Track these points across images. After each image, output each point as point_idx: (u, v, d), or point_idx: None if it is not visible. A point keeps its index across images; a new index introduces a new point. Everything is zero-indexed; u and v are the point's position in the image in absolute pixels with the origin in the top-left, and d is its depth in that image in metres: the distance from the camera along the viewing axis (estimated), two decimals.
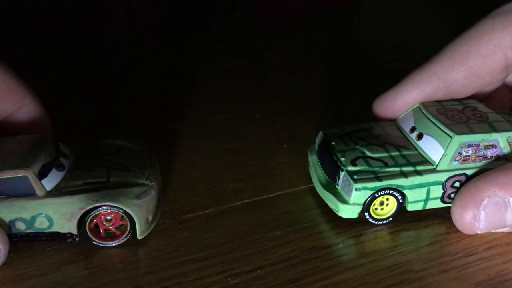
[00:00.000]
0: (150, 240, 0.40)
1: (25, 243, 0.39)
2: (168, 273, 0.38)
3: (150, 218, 0.40)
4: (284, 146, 0.53)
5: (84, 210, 0.38)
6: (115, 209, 0.38)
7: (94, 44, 0.80)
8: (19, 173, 0.38)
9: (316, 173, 0.44)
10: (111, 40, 0.83)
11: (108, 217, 0.39)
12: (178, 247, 0.40)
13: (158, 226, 0.42)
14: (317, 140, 0.46)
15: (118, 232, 0.40)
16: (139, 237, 0.40)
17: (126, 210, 0.38)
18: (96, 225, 0.39)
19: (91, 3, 0.94)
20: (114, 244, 0.40)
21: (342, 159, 0.42)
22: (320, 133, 0.46)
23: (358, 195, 0.40)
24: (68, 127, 0.52)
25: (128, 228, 0.39)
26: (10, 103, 0.44)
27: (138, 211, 0.39)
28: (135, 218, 0.39)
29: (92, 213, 0.38)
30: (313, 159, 0.46)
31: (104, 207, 0.38)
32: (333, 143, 0.44)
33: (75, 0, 0.93)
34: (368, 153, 0.42)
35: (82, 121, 0.57)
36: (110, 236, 0.40)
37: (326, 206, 0.42)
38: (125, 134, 0.54)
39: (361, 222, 0.42)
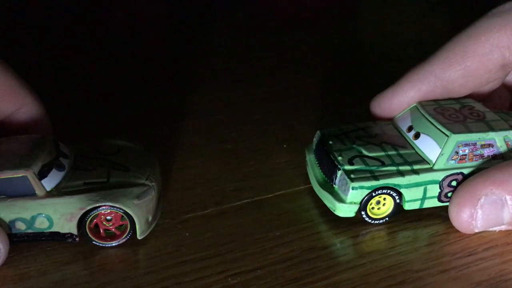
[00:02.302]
0: (150, 240, 0.41)
1: (25, 243, 0.39)
2: (168, 273, 0.38)
3: (150, 218, 0.40)
4: (284, 146, 0.53)
5: (84, 210, 0.38)
6: (115, 209, 0.39)
7: (95, 44, 0.81)
8: (19, 173, 0.38)
9: (314, 172, 0.44)
10: (112, 40, 0.83)
11: (108, 217, 0.39)
12: (178, 247, 0.40)
13: (158, 226, 0.42)
14: (315, 140, 0.46)
15: (118, 232, 0.40)
16: (139, 237, 0.40)
17: (126, 210, 0.38)
18: (96, 225, 0.39)
19: (91, 3, 0.94)
20: (114, 244, 0.40)
21: (339, 158, 0.42)
22: (318, 132, 0.46)
23: (355, 194, 0.40)
24: (68, 127, 0.52)
25: (128, 228, 0.40)
26: (10, 103, 0.44)
27: (138, 211, 0.39)
28: (135, 218, 0.39)
29: (92, 213, 0.39)
30: (310, 158, 0.46)
31: (104, 207, 0.38)
32: (330, 142, 0.44)
33: (75, 0, 0.93)
34: (365, 152, 0.42)
35: (83, 121, 0.58)
36: (110, 236, 0.40)
37: (325, 206, 0.42)
38: (125, 134, 0.54)
39: (360, 222, 0.42)
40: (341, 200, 0.41)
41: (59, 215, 0.38)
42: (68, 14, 0.90)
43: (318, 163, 0.45)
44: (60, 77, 0.69)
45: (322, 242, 0.41)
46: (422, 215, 0.43)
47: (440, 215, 0.42)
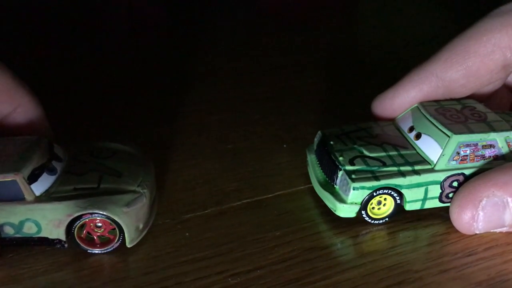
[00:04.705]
0: (150, 240, 0.41)
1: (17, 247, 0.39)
2: (168, 273, 0.38)
3: (140, 226, 0.40)
4: (284, 146, 0.53)
5: (71, 217, 0.38)
6: (103, 216, 0.38)
7: (94, 44, 0.81)
8: (8, 177, 0.37)
9: (315, 173, 0.44)
10: (111, 40, 0.83)
11: (99, 224, 0.39)
12: (178, 247, 0.40)
13: (158, 226, 0.42)
14: (316, 140, 0.46)
15: (112, 236, 0.39)
16: (128, 245, 0.39)
17: (114, 218, 0.38)
18: (89, 232, 0.39)
19: (91, 4, 0.94)
20: (103, 251, 0.39)
21: (340, 158, 0.42)
22: (319, 132, 0.46)
23: (355, 194, 0.40)
24: (66, 127, 0.52)
25: (118, 235, 0.39)
26: (7, 103, 0.43)
27: (127, 219, 0.38)
28: (123, 227, 0.38)
29: (78, 222, 0.38)
30: (311, 158, 0.46)
31: (90, 215, 0.38)
32: (331, 142, 0.44)
33: (75, 0, 0.93)
34: (366, 153, 0.42)
35: (82, 122, 0.57)
36: (105, 241, 0.39)
37: (326, 206, 0.42)
38: (125, 134, 0.54)
39: (361, 222, 0.42)
40: (342, 201, 0.41)
41: (47, 221, 0.38)
42: (68, 14, 0.90)
43: (319, 163, 0.45)
44: (59, 77, 0.69)
45: (322, 242, 0.41)
46: (422, 215, 0.43)
47: (440, 215, 0.42)
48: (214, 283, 0.37)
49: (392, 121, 0.47)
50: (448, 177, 0.41)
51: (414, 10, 0.96)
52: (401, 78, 0.46)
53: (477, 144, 0.41)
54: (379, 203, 0.41)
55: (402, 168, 0.41)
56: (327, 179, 0.43)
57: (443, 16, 0.93)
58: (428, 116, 0.43)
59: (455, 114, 0.43)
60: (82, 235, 0.39)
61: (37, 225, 0.38)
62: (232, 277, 0.37)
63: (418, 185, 0.41)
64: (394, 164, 0.41)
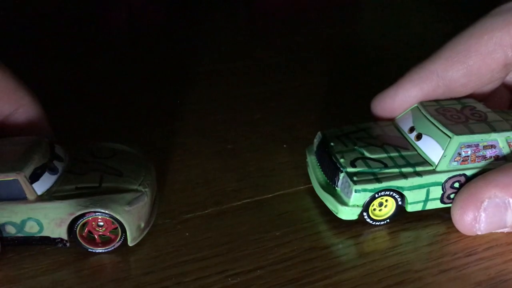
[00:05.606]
0: (151, 240, 0.40)
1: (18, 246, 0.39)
2: (168, 273, 0.38)
3: (142, 225, 0.40)
4: (284, 146, 0.53)
5: (73, 216, 0.38)
6: (105, 215, 0.38)
7: (94, 44, 0.80)
8: (10, 177, 0.37)
9: (315, 174, 0.44)
10: (111, 40, 0.83)
11: (100, 223, 0.39)
12: (178, 247, 0.40)
13: (158, 226, 0.42)
14: (316, 141, 0.46)
15: (113, 236, 0.39)
16: (130, 244, 0.39)
17: (117, 216, 0.38)
18: (90, 232, 0.39)
19: (91, 3, 0.94)
20: (105, 250, 0.39)
21: (342, 160, 0.42)
22: (319, 133, 0.46)
23: (357, 196, 0.40)
24: (66, 128, 0.52)
25: (120, 234, 0.39)
26: (8, 103, 0.43)
27: (129, 217, 0.38)
28: (125, 225, 0.38)
29: (80, 220, 0.38)
30: (311, 159, 0.46)
31: (92, 214, 0.38)
32: (332, 144, 0.43)
33: (75, 0, 0.93)
34: (367, 154, 0.42)
35: (81, 122, 0.57)
36: (105, 241, 0.39)
37: (325, 206, 0.42)
38: (125, 134, 0.54)
39: (361, 223, 0.42)
40: (344, 203, 0.41)
41: (48, 220, 0.38)
42: (68, 14, 0.90)
43: (319, 165, 0.44)
44: (59, 77, 0.69)
45: (322, 242, 0.41)
46: (423, 216, 0.42)
47: (440, 215, 0.42)
48: (214, 283, 0.37)
49: (391, 121, 0.47)
50: (450, 178, 0.41)
51: (414, 9, 0.96)
52: (401, 77, 0.46)
53: (478, 144, 0.41)
54: (380, 204, 0.41)
55: (404, 170, 0.41)
56: (328, 181, 0.43)
57: (444, 14, 0.93)
58: (428, 117, 0.43)
59: (455, 114, 0.43)
60: (84, 234, 0.39)
61: (39, 224, 0.38)
62: (232, 277, 0.37)
63: (420, 186, 0.41)
64: (396, 166, 0.41)
